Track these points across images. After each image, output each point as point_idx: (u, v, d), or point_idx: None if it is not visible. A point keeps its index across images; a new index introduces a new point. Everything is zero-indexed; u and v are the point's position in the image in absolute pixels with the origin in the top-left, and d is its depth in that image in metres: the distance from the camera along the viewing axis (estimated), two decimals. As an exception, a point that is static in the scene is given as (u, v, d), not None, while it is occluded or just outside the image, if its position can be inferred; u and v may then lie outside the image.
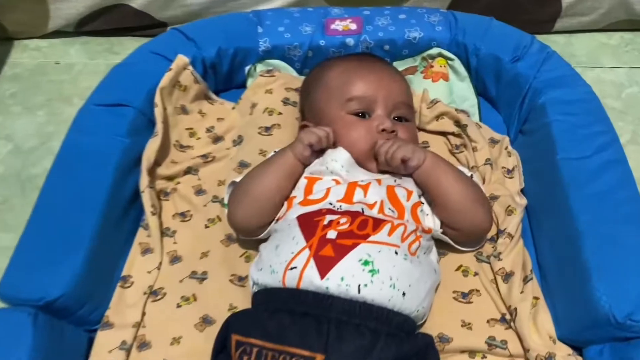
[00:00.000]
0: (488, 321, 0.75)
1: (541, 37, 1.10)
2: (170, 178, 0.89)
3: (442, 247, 0.80)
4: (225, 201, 0.82)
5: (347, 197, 0.73)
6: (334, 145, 0.79)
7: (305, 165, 0.78)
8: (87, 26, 1.29)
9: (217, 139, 0.95)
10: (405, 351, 0.62)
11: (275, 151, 0.83)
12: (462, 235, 0.77)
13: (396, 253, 0.67)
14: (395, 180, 0.77)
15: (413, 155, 0.75)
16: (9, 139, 1.14)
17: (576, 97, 0.88)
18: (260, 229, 0.76)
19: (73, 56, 1.30)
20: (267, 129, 0.92)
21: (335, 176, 0.76)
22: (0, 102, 1.20)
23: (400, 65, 1.02)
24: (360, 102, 0.80)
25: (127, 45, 1.28)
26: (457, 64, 0.99)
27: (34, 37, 1.32)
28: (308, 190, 0.76)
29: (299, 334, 0.61)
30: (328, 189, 0.74)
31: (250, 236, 0.79)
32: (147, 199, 0.82)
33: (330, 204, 0.72)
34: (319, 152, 0.79)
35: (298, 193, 0.76)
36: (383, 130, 0.78)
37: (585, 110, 0.86)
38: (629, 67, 1.20)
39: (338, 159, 0.77)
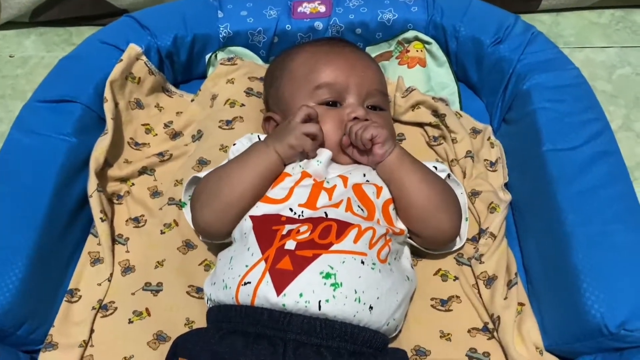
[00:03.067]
0: (469, 331, 0.71)
1: (526, 17, 1.07)
2: (123, 180, 0.84)
3: (419, 249, 0.75)
4: (183, 199, 0.77)
5: (311, 202, 0.67)
6: None
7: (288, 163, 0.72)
8: (43, 16, 1.23)
9: (175, 135, 0.90)
10: (372, 372, 0.57)
11: (234, 144, 0.77)
12: (424, 242, 0.72)
13: (362, 262, 0.62)
14: (364, 175, 0.71)
15: (385, 140, 0.69)
16: (-42, 139, 1.09)
17: (564, 82, 0.83)
18: (228, 234, 0.71)
19: (29, 48, 1.24)
20: (229, 122, 0.87)
21: (306, 168, 0.70)
22: (-52, 100, 1.15)
23: (374, 51, 0.99)
24: (329, 90, 0.75)
25: (87, 36, 1.19)
26: (435, 47, 0.95)
27: None
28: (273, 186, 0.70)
29: (253, 358, 0.56)
30: (291, 189, 0.68)
31: (213, 240, 0.74)
32: (95, 204, 0.77)
33: (291, 209, 0.66)
34: None
35: None
36: (355, 118, 0.73)
37: (573, 96, 0.81)
38: (620, 47, 1.17)
39: (322, 160, 0.71)
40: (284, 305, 0.58)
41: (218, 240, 0.73)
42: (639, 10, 1.22)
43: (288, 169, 0.71)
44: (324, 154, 0.71)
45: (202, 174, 0.75)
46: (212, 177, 0.71)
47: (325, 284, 0.59)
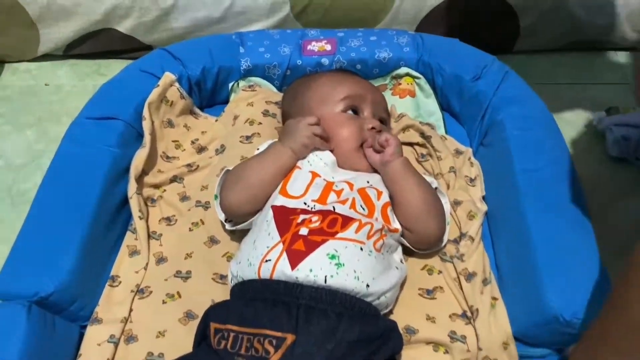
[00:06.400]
0: (450, 316, 0.80)
1: (503, 56, 1.16)
2: (157, 186, 0.95)
3: (409, 249, 0.85)
4: (216, 192, 0.86)
5: (322, 199, 0.79)
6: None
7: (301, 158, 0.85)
8: (76, 49, 1.35)
9: (201, 149, 1.01)
10: (369, 332, 0.68)
11: (258, 148, 0.89)
12: (415, 238, 0.82)
13: (361, 249, 0.73)
14: (367, 182, 0.83)
15: (396, 145, 0.83)
16: (0, 156, 1.19)
17: (531, 114, 0.94)
18: (248, 215, 0.82)
19: (62, 78, 1.35)
20: (248, 137, 0.98)
21: (313, 168, 0.83)
22: (-10, 122, 1.25)
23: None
24: (352, 100, 0.89)
25: (114, 67, 1.33)
26: (423, 82, 1.07)
27: (24, 60, 1.37)
28: (287, 178, 0.82)
29: (272, 318, 0.67)
30: (307, 187, 0.80)
31: (237, 220, 0.84)
32: (135, 204, 0.88)
33: (305, 203, 0.78)
34: None
35: None
36: (372, 128, 0.87)
37: (539, 125, 0.93)
38: (582, 84, 1.30)
39: (323, 157, 0.85)
40: (297, 277, 0.69)
41: (239, 219, 0.83)
42: (599, 54, 1.36)
43: (297, 163, 0.84)
44: (329, 157, 0.85)
45: (231, 167, 0.86)
46: (238, 167, 0.85)
47: (330, 263, 0.70)
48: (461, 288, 0.83)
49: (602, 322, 0.57)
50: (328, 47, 1.07)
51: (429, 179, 0.88)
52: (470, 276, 0.83)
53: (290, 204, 0.78)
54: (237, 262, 0.76)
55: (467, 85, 1.02)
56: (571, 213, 0.81)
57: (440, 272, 0.85)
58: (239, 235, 0.87)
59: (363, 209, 0.79)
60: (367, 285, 0.71)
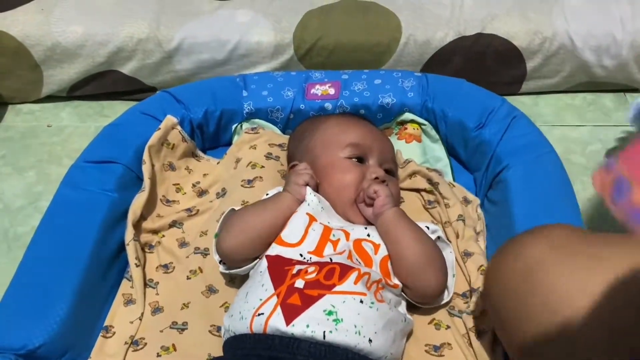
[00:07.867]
0: None
1: (510, 98, 1.17)
2: (155, 231, 0.92)
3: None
4: (217, 231, 0.84)
5: (318, 250, 0.76)
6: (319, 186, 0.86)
7: (301, 202, 0.83)
8: (79, 91, 1.33)
9: (201, 193, 0.99)
10: (371, 392, 0.63)
11: (267, 194, 0.88)
12: (412, 293, 0.78)
13: (361, 302, 0.69)
14: (365, 228, 0.80)
15: (385, 196, 0.80)
16: (-2, 198, 1.17)
17: (539, 169, 0.89)
18: (244, 262, 0.79)
19: (64, 119, 1.34)
20: (250, 181, 0.96)
21: (310, 210, 0.80)
22: (-10, 163, 1.24)
23: (377, 127, 1.07)
24: (358, 148, 0.87)
25: (117, 109, 1.31)
26: (429, 128, 1.04)
27: (27, 102, 1.36)
28: (284, 226, 0.80)
29: None
30: (304, 234, 0.77)
31: (231, 264, 0.82)
32: (131, 251, 0.85)
33: (301, 255, 0.75)
34: None
35: None
36: (376, 178, 0.84)
37: (547, 181, 0.88)
38: (592, 126, 1.27)
39: (321, 200, 0.82)
40: (292, 333, 0.65)
41: (234, 265, 0.80)
42: (607, 95, 1.32)
43: (297, 208, 0.81)
44: (325, 202, 0.83)
45: (237, 207, 0.85)
46: (240, 210, 0.84)
47: (328, 319, 0.66)
48: (471, 345, 0.78)
49: None
50: (332, 91, 1.06)
51: (432, 227, 0.84)
52: (480, 333, 0.78)
53: (286, 253, 0.76)
54: (230, 315, 0.73)
55: (470, 135, 0.99)
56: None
57: (448, 327, 0.80)
58: (238, 284, 0.84)
59: (359, 262, 0.76)
60: (370, 340, 0.67)
